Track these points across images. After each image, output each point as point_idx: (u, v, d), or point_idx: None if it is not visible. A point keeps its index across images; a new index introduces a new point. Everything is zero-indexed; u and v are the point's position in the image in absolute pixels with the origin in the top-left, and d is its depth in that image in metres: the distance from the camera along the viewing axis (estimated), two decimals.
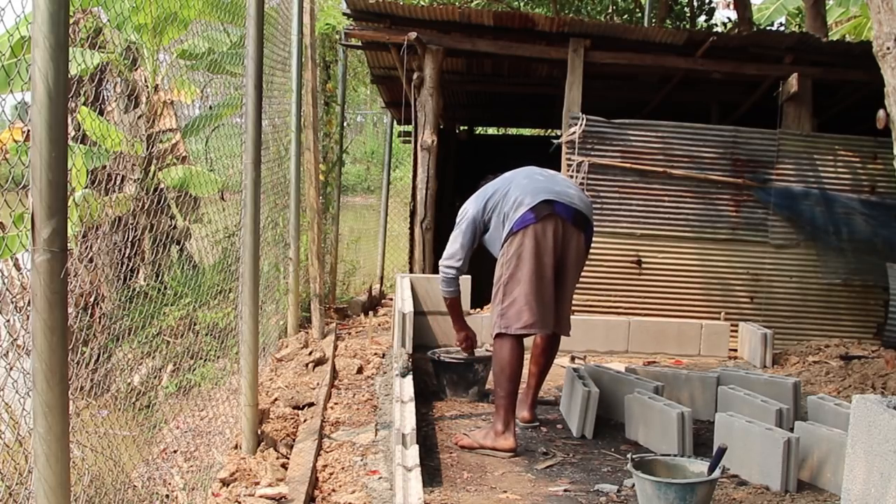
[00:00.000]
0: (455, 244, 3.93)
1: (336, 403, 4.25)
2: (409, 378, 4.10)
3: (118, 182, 5.60)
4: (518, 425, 3.85)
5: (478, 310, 5.99)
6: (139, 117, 5.70)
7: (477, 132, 12.30)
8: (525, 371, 3.91)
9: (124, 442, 3.55)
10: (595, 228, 6.11)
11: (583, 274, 6.13)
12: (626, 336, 5.88)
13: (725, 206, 6.33)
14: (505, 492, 3.19)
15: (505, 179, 3.91)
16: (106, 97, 5.82)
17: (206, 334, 4.69)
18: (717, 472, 2.89)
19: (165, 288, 5.20)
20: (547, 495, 3.18)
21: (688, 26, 12.01)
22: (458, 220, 3.98)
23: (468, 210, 3.94)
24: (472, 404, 4.43)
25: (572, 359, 5.53)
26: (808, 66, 6.40)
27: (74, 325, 4.27)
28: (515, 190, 3.76)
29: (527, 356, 3.98)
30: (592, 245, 6.27)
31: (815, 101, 6.51)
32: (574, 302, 6.12)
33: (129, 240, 4.88)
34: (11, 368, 2.25)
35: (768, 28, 12.34)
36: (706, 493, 2.83)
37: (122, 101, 5.75)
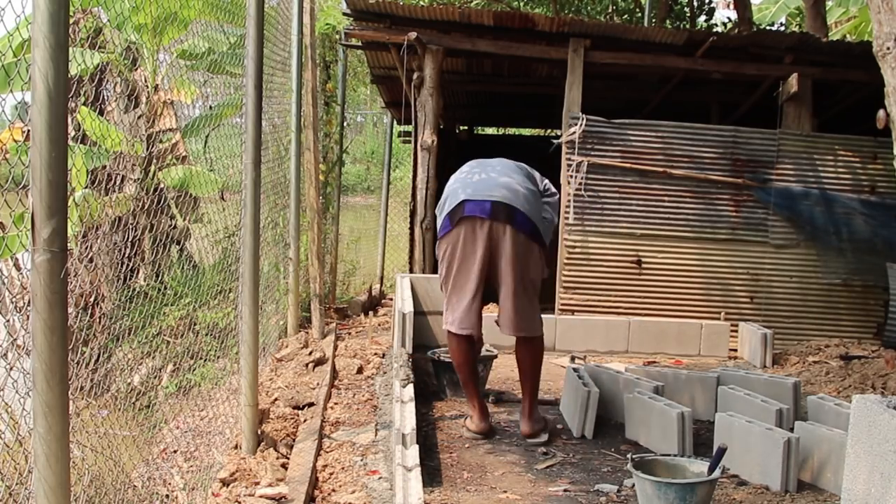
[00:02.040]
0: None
1: (336, 403, 4.25)
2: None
3: (118, 182, 5.60)
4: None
5: None
6: (139, 117, 5.70)
7: (477, 132, 12.31)
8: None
9: (124, 442, 3.55)
10: (595, 228, 6.25)
11: (583, 273, 6.23)
12: (626, 336, 5.88)
13: (725, 206, 6.34)
14: (505, 492, 3.19)
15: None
16: (106, 97, 5.82)
17: (206, 334, 4.68)
18: (717, 472, 2.89)
19: (165, 288, 5.20)
20: (547, 495, 3.18)
21: (688, 26, 12.01)
22: None
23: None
24: None
25: (572, 359, 5.53)
26: (808, 66, 6.40)
27: (74, 325, 4.27)
28: (447, 188, 3.80)
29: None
30: (593, 245, 6.27)
31: (815, 101, 6.51)
32: (574, 302, 6.21)
33: (129, 240, 4.88)
34: (11, 368, 2.25)
35: (768, 28, 12.34)
36: (706, 493, 2.83)
37: (122, 101, 5.75)
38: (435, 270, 6.65)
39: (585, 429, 3.94)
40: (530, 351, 3.81)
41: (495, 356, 4.62)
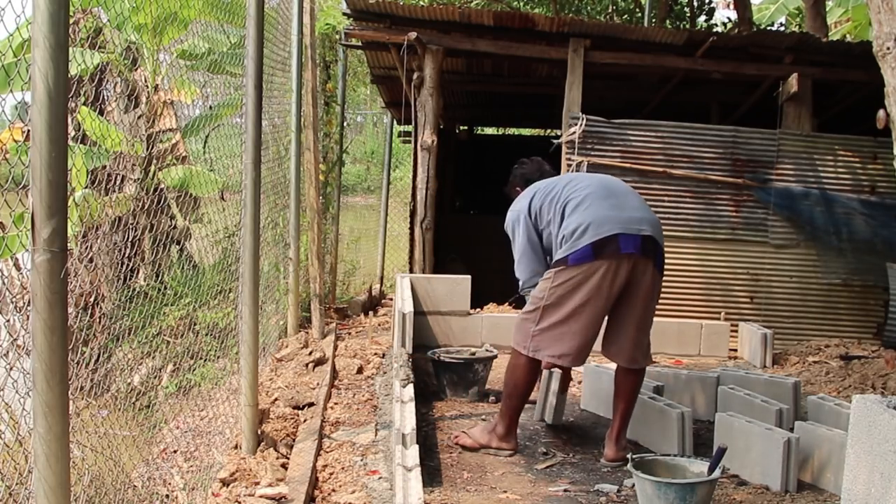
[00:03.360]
0: (528, 258, 3.58)
1: (336, 403, 4.25)
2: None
3: (118, 182, 5.60)
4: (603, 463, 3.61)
5: (478, 310, 5.98)
6: (139, 117, 5.70)
7: (477, 132, 12.31)
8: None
9: (124, 442, 3.55)
10: None
11: None
12: None
13: (725, 206, 6.33)
14: (505, 492, 3.19)
15: (565, 184, 3.58)
16: (106, 97, 5.83)
17: (206, 334, 4.69)
18: (717, 472, 2.89)
19: (165, 288, 5.20)
20: (547, 495, 3.18)
21: (688, 26, 12.01)
22: (510, 230, 3.69)
23: (518, 212, 3.64)
24: (472, 404, 4.42)
25: None
26: (808, 66, 6.40)
27: (74, 325, 4.27)
28: (578, 213, 3.43)
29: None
30: None
31: (815, 101, 6.51)
32: None
33: (129, 240, 4.89)
34: (11, 368, 2.25)
35: (768, 28, 12.34)
36: (706, 493, 2.83)
37: (122, 101, 5.75)
38: (435, 270, 6.67)
39: (545, 414, 3.95)
40: (635, 380, 3.60)
41: (495, 356, 4.62)
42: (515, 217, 3.66)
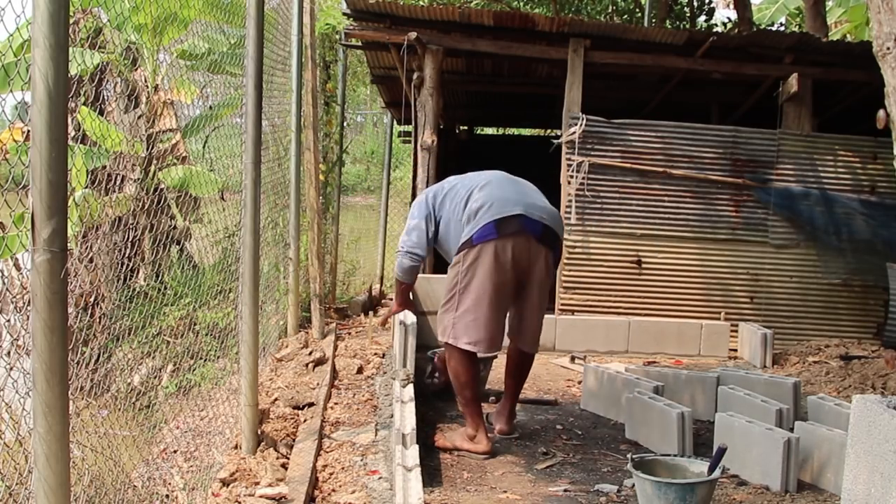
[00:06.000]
0: (419, 231, 3.77)
1: (336, 403, 4.24)
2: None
3: (118, 182, 5.60)
4: (495, 436, 3.80)
5: None
6: (139, 117, 5.70)
7: (477, 132, 12.31)
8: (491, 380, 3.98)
9: (124, 442, 3.55)
10: (595, 228, 6.27)
11: (583, 273, 6.25)
12: (626, 336, 5.88)
13: (725, 206, 6.34)
14: (505, 492, 3.19)
15: (468, 179, 3.76)
16: (106, 97, 5.83)
17: (206, 334, 4.69)
18: (717, 472, 2.89)
19: (165, 288, 5.20)
20: (547, 495, 3.18)
21: (688, 26, 12.02)
22: (413, 210, 3.88)
23: (422, 202, 3.84)
24: None
25: (572, 359, 5.53)
26: (808, 66, 6.40)
27: (74, 325, 4.28)
28: (481, 195, 3.58)
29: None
30: (593, 245, 6.27)
31: (815, 101, 6.51)
32: (574, 302, 6.22)
33: (129, 240, 4.89)
34: (11, 368, 2.25)
35: (768, 28, 12.34)
36: (706, 493, 2.83)
37: (122, 101, 5.75)
38: (436, 270, 6.66)
39: (407, 361, 4.11)
40: (528, 363, 3.89)
41: (495, 356, 4.61)
42: (423, 199, 3.87)
